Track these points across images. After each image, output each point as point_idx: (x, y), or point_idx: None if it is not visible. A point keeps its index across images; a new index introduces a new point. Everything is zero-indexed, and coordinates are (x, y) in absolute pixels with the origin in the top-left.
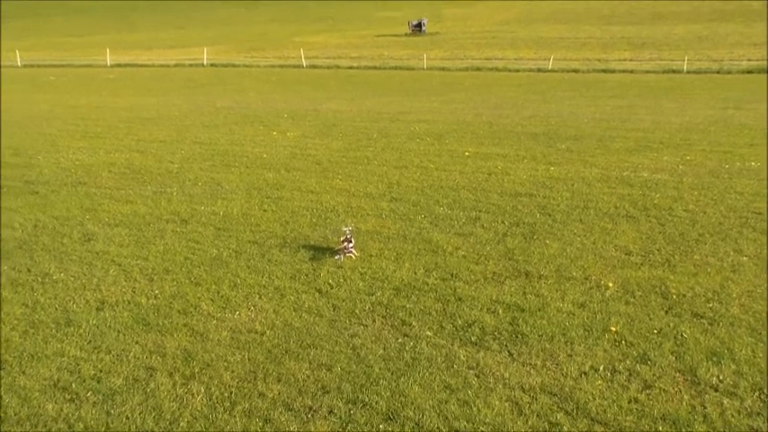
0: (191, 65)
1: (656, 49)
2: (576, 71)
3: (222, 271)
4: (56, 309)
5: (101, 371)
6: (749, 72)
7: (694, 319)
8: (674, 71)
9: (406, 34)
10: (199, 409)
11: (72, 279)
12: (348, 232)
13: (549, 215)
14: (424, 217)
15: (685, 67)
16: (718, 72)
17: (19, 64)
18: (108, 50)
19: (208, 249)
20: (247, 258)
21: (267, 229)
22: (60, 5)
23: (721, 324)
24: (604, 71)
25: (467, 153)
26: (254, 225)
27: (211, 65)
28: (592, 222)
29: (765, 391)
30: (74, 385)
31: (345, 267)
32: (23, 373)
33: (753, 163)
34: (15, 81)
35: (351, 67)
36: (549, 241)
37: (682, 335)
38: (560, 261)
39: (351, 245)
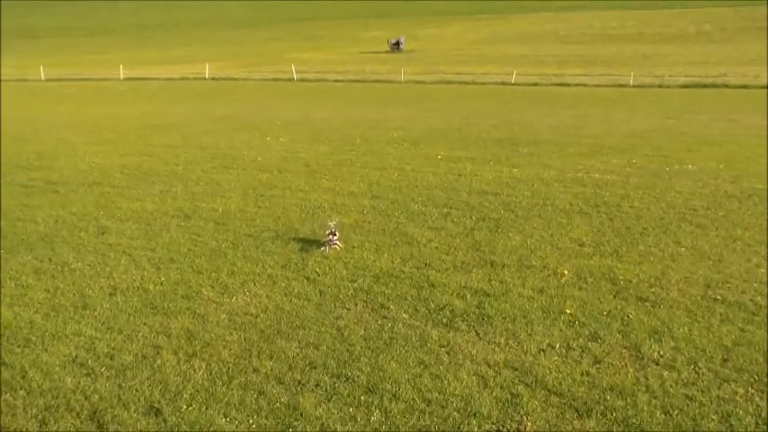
0: (194, 78)
1: (607, 66)
2: (535, 84)
3: (221, 261)
4: (74, 294)
5: (113, 349)
6: (686, 87)
7: (639, 303)
8: (621, 85)
9: (386, 51)
10: (200, 382)
11: (88, 268)
12: (333, 226)
13: (512, 211)
14: (401, 213)
15: (631, 82)
16: (659, 86)
17: (42, 78)
18: (121, 66)
19: (208, 242)
20: (243, 249)
21: (261, 223)
22: (84, 28)
23: (662, 306)
24: (561, 85)
25: (439, 156)
26: (249, 220)
27: (213, 78)
28: (549, 217)
29: (699, 364)
30: (90, 361)
31: (331, 257)
32: (46, 350)
33: (689, 166)
34: (39, 94)
35: (337, 81)
36: (511, 234)
37: (628, 316)
38: (522, 252)
39: (335, 237)
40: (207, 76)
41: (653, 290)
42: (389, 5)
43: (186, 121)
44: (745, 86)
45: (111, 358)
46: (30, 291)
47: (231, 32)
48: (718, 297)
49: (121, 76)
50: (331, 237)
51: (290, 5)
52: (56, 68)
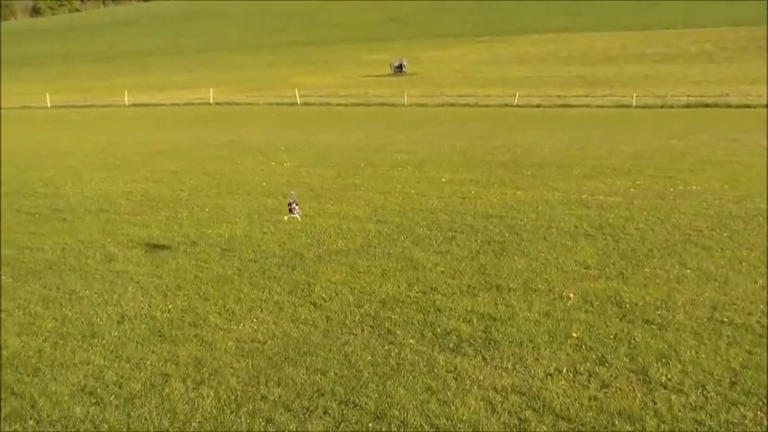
0: (199, 104)
1: (609, 87)
2: (538, 106)
3: (228, 287)
4: (82, 322)
5: (122, 377)
6: (688, 107)
7: (645, 325)
8: (624, 106)
9: (388, 75)
10: (209, 410)
11: (96, 296)
12: (293, 197)
13: (517, 234)
14: (407, 237)
15: (634, 103)
16: (662, 107)
17: (48, 105)
18: (126, 92)
19: (214, 268)
20: (250, 276)
21: (267, 249)
22: (88, 54)
23: (669, 329)
24: (563, 106)
25: (443, 179)
26: (255, 246)
27: (217, 103)
28: (554, 240)
29: (707, 387)
30: (98, 390)
31: (337, 283)
32: (54, 379)
33: (694, 187)
34: (45, 121)
35: (340, 105)
36: (516, 257)
37: (634, 339)
38: (527, 275)
39: (296, 208)
40: (211, 102)
41: (659, 312)
42: (391, 29)
43: (191, 146)
44: (747, 106)
45: (119, 387)
46: (38, 319)
47: (234, 57)
48: (725, 319)
49: (126, 102)
50: (293, 206)
51: (293, 30)
52: (61, 95)
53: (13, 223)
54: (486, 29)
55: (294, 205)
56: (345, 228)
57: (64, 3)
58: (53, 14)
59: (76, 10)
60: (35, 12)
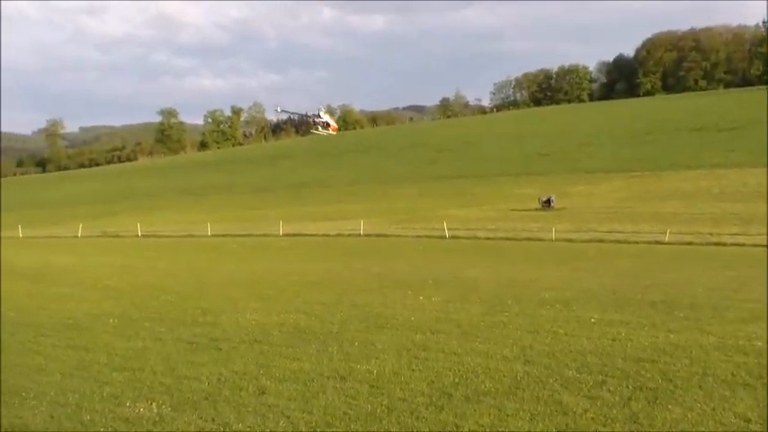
0: (349, 235)
1: (763, 225)
2: (690, 244)
3: (376, 426)
4: None
5: None
6: None
7: None
8: None
9: (536, 209)
10: None
11: (248, 429)
12: (318, 113)
13: (670, 381)
14: (555, 380)
15: None
16: None
17: (209, 234)
18: (281, 222)
19: (363, 405)
20: (398, 415)
21: (415, 387)
22: (248, 185)
23: None
24: (716, 244)
25: (592, 320)
26: (403, 383)
27: (366, 235)
28: (710, 389)
29: None
30: None
31: (485, 426)
32: None
33: None
34: (206, 250)
35: (488, 238)
36: (671, 406)
37: None
38: (682, 426)
39: (324, 121)
40: (361, 233)
41: None
42: (541, 163)
43: (341, 278)
44: None
45: None
46: None
47: (384, 189)
48: None
49: (281, 232)
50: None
51: (442, 163)
52: (221, 224)
53: (173, 351)
54: (636, 164)
55: (319, 119)
56: (493, 367)
57: (229, 137)
58: (218, 148)
59: (240, 144)
60: (202, 146)
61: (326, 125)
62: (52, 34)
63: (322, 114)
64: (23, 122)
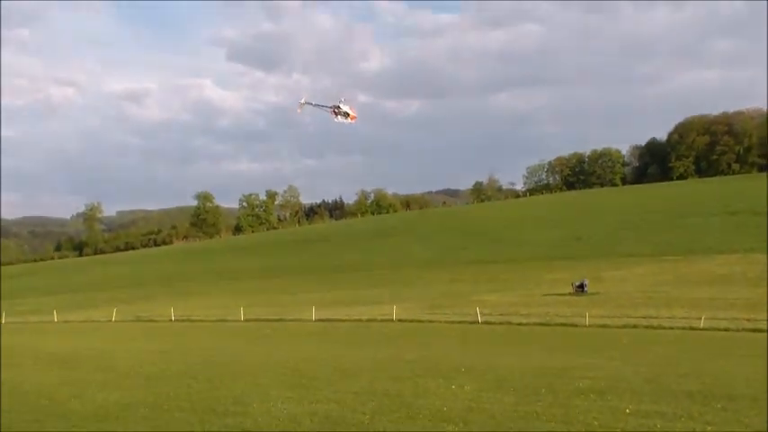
0: (382, 320)
1: None
2: (726, 330)
3: None
4: None
5: None
6: None
7: None
8: None
9: (569, 294)
10: None
11: None
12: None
13: None
14: None
15: None
16: None
17: (242, 318)
18: (314, 307)
19: None
20: None
21: None
22: (281, 268)
23: None
24: (753, 330)
25: (627, 411)
26: None
27: (399, 320)
28: None
29: None
30: None
31: None
32: None
33: None
34: (239, 335)
35: (521, 324)
36: None
37: None
38: None
39: (343, 109)
40: (394, 318)
41: None
42: (574, 248)
43: (373, 365)
44: None
45: None
46: None
47: (417, 273)
48: None
49: (313, 317)
50: (345, 110)
51: (475, 248)
52: (254, 308)
53: None
54: (669, 248)
55: (337, 108)
56: None
57: (263, 221)
58: (253, 232)
59: (274, 228)
60: (237, 230)
61: (346, 115)
62: (96, 120)
63: (342, 106)
64: (63, 206)
